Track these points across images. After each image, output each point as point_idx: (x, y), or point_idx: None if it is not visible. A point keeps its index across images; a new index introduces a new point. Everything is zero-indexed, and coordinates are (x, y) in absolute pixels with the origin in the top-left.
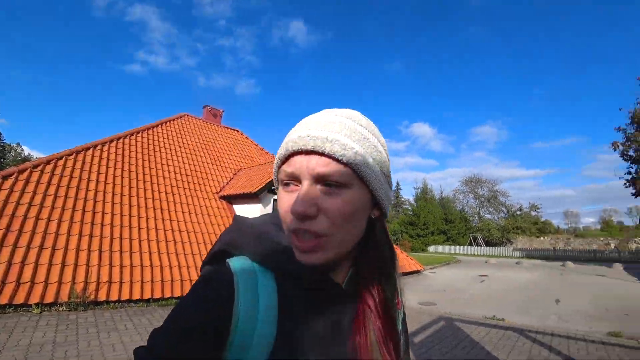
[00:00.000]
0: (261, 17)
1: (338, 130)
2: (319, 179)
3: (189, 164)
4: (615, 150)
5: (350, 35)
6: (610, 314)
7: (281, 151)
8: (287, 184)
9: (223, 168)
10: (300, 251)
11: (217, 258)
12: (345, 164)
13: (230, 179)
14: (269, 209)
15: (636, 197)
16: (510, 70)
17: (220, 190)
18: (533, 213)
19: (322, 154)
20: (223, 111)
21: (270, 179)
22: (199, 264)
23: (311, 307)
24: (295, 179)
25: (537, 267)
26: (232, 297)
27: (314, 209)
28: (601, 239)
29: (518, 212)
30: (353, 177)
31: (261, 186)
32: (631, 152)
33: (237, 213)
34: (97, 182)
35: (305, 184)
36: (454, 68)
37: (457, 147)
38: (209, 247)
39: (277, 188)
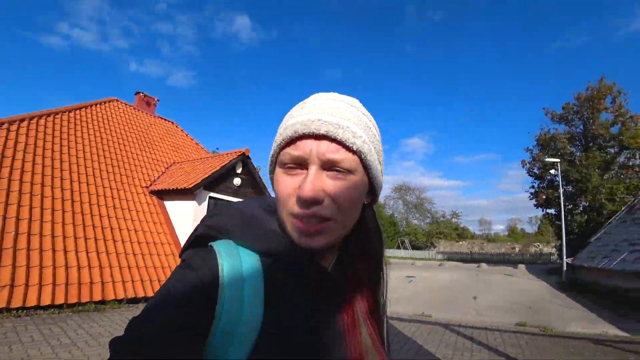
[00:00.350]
0: (205, 6)
1: (347, 117)
2: (328, 164)
3: (117, 154)
4: (523, 167)
5: (296, 37)
6: (517, 307)
7: (287, 132)
8: (290, 167)
9: (155, 160)
10: (304, 235)
11: (199, 242)
12: (354, 152)
13: (163, 173)
14: (203, 208)
15: (537, 207)
16: (440, 88)
17: (151, 185)
18: (454, 220)
19: (333, 140)
20: (158, 100)
21: (207, 175)
22: (124, 264)
23: (298, 291)
24: (300, 162)
25: (457, 268)
26: (217, 281)
27: (322, 194)
28: (508, 243)
29: (441, 219)
30: (358, 165)
31: (197, 182)
32: (535, 170)
33: (169, 210)
34: (1, 167)
35: (314, 168)
36: (392, 81)
37: (388, 156)
38: (135, 246)
39: (272, 170)
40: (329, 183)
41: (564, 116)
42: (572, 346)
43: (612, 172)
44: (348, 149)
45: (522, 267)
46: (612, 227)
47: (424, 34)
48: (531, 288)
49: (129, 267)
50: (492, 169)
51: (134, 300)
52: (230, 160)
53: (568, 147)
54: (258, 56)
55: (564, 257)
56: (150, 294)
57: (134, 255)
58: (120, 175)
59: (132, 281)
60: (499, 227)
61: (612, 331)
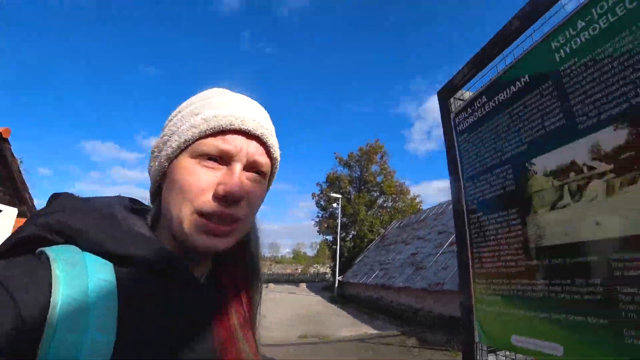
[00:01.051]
0: None
1: (270, 125)
2: (251, 165)
3: None
4: (313, 199)
5: (112, 17)
6: (300, 320)
7: (219, 122)
8: (209, 159)
9: None
10: (211, 235)
11: (21, 249)
12: (272, 159)
13: None
14: None
15: (320, 234)
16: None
17: None
18: None
19: (262, 143)
20: None
21: None
22: None
23: (163, 306)
24: (224, 156)
25: None
26: (46, 305)
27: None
28: (293, 265)
29: None
30: (269, 171)
31: None
32: (322, 202)
33: None
34: None
35: (238, 166)
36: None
37: None
38: None
39: (174, 157)
40: (248, 184)
41: (348, 162)
42: (344, 348)
43: (374, 210)
44: (269, 155)
45: (303, 285)
46: (370, 251)
47: (254, 61)
48: (310, 303)
49: None
50: (288, 198)
51: None
52: None
53: (348, 187)
54: (43, 16)
55: (337, 275)
56: None
57: None
58: None
59: None
60: (286, 250)
61: (370, 331)
